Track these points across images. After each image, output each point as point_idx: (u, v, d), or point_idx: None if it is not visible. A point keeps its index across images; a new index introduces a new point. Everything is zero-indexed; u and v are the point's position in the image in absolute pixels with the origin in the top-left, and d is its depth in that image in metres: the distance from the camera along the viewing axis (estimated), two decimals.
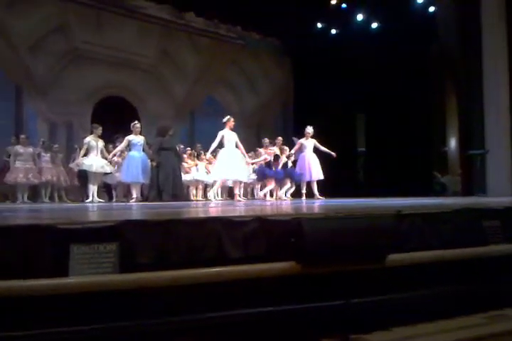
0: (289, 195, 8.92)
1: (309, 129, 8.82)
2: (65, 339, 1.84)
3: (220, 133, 7.74)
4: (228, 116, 7.90)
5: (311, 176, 8.68)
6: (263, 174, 8.64)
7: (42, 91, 10.44)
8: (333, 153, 8.68)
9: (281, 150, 8.89)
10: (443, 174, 11.85)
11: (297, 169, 8.76)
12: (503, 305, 2.69)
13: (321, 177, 8.76)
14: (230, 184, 10.13)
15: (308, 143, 8.83)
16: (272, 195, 8.76)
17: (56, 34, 10.68)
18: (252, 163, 8.97)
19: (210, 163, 10.06)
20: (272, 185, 8.60)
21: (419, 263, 2.57)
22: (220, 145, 7.91)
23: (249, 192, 10.42)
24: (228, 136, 7.75)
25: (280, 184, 8.75)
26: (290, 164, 8.82)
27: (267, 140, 9.45)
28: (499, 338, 2.31)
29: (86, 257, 1.90)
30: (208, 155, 8.48)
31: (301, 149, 8.85)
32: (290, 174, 8.69)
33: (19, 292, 1.79)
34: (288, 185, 8.80)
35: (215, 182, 10.00)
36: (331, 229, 2.27)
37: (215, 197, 8.31)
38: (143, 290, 1.97)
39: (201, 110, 13.16)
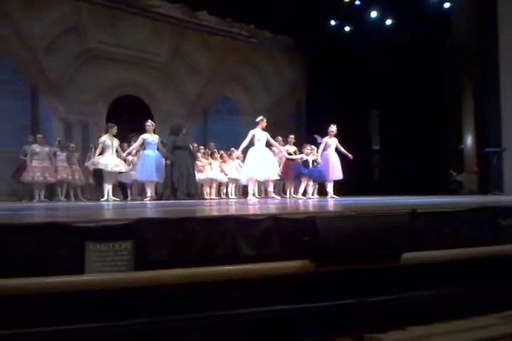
0: (316, 194, 8.94)
1: (333, 128, 8.77)
2: (80, 336, 1.86)
3: (251, 133, 8.00)
4: (261, 117, 8.20)
5: (332, 176, 8.71)
6: (298, 173, 8.72)
7: (57, 91, 10.56)
8: (350, 155, 8.70)
9: (312, 150, 8.87)
10: (459, 172, 11.72)
11: (320, 168, 8.76)
12: None
13: (341, 177, 8.79)
14: (243, 183, 10.19)
15: (332, 142, 8.80)
16: (304, 194, 8.81)
17: (71, 34, 10.79)
18: (292, 160, 8.96)
19: (224, 161, 10.09)
20: (305, 183, 8.70)
21: (434, 262, 2.55)
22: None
23: (262, 190, 10.41)
24: (259, 135, 7.97)
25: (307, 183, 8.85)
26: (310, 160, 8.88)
27: (280, 138, 9.45)
28: None
29: (101, 255, 1.92)
30: (238, 152, 8.81)
31: (324, 148, 8.82)
32: (312, 174, 8.77)
33: (36, 289, 1.82)
34: (304, 184, 8.84)
35: (230, 180, 10.07)
36: (345, 227, 2.26)
37: (253, 195, 8.37)
38: (157, 287, 1.99)
39: (214, 109, 13.19)
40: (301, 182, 8.84)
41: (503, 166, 8.84)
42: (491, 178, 9.10)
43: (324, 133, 8.92)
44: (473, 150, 10.92)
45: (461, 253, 2.63)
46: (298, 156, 8.87)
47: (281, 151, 8.44)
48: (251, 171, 8.00)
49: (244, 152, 8.46)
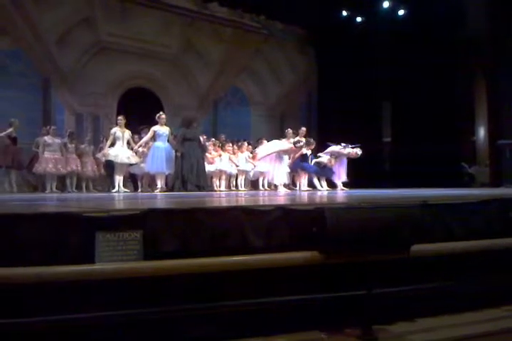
0: (325, 186, 9.03)
1: (359, 153, 9.09)
2: (90, 324, 1.89)
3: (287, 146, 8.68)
4: (303, 141, 8.64)
5: (338, 177, 9.07)
6: (301, 167, 8.82)
7: (69, 84, 10.61)
8: None
9: (308, 144, 8.90)
10: (471, 164, 11.60)
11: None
12: None
13: (345, 179, 9.15)
14: (251, 177, 10.28)
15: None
16: (314, 186, 8.99)
17: (82, 26, 10.80)
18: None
19: (234, 153, 10.09)
20: (306, 176, 8.86)
21: (444, 254, 2.54)
22: None
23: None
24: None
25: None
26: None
27: (290, 130, 9.42)
28: None
29: (111, 244, 1.94)
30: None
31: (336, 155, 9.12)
32: (317, 170, 8.84)
33: (47, 278, 1.84)
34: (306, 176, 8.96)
35: (239, 172, 10.10)
36: (354, 218, 2.26)
37: (280, 186, 8.72)
38: (166, 277, 2.00)
39: (225, 100, 13.18)
40: (306, 174, 8.93)
41: None
42: (504, 171, 9.01)
43: (334, 126, 8.96)
44: (486, 143, 10.80)
45: (471, 246, 2.61)
46: (324, 160, 8.93)
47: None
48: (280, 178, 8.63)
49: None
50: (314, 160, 8.98)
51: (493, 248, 2.67)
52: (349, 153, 8.94)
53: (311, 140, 9.06)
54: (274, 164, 8.52)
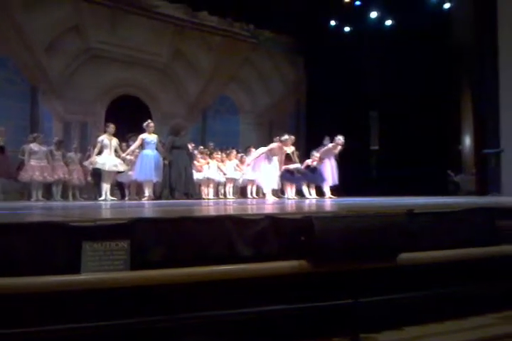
0: (314, 194, 9.01)
1: (341, 140, 8.96)
2: (76, 335, 1.87)
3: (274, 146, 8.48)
4: (287, 136, 8.46)
5: (329, 181, 9.01)
6: (287, 179, 8.81)
7: (57, 91, 10.57)
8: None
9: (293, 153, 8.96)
10: (457, 173, 11.72)
11: (317, 172, 8.92)
12: None
13: (336, 182, 9.12)
14: (240, 184, 10.28)
15: (337, 151, 8.96)
16: (302, 195, 9.00)
17: (71, 34, 10.80)
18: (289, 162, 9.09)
19: (222, 161, 10.09)
20: (293, 185, 8.86)
21: (431, 262, 2.55)
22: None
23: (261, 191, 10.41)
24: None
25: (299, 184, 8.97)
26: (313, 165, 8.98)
27: (278, 138, 9.43)
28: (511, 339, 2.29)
29: (98, 254, 1.92)
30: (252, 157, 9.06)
31: (326, 154, 9.07)
32: (307, 177, 8.82)
33: (32, 289, 1.82)
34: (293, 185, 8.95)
35: (228, 180, 10.10)
36: (342, 227, 2.27)
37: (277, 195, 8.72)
38: (153, 287, 1.99)
39: (213, 108, 13.20)
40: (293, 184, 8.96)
41: (501, 167, 8.84)
42: (489, 179, 9.10)
43: (323, 134, 8.99)
44: (472, 151, 10.92)
45: (458, 254, 2.63)
46: (294, 166, 8.90)
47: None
48: (270, 184, 8.42)
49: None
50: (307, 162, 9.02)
51: (480, 256, 2.69)
52: (334, 145, 8.91)
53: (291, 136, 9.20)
54: (265, 168, 8.37)
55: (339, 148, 8.99)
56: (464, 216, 2.87)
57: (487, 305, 2.61)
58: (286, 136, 8.38)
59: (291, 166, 8.76)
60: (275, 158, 8.40)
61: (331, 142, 9.05)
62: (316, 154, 9.09)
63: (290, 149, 8.86)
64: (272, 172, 8.43)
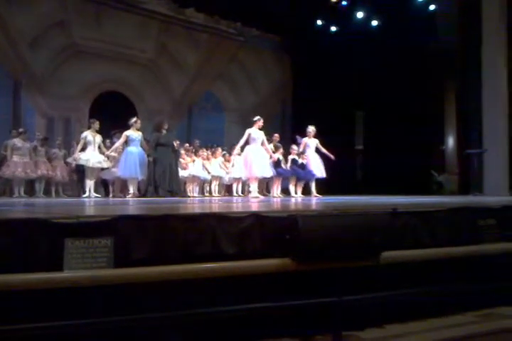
0: (299, 192, 8.98)
1: (311, 128, 8.90)
2: (59, 333, 1.85)
3: (248, 131, 8.04)
4: (258, 117, 8.19)
5: (318, 173, 8.84)
6: (278, 173, 8.74)
7: (40, 86, 10.41)
8: (332, 156, 8.79)
9: (276, 148, 8.95)
10: (440, 173, 11.86)
11: (305, 167, 8.87)
12: (495, 304, 2.70)
13: (324, 175, 8.90)
14: (225, 181, 10.23)
15: (311, 143, 8.94)
16: (288, 193, 8.88)
17: (55, 29, 10.64)
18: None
19: (207, 159, 10.06)
20: (279, 182, 8.81)
21: (413, 261, 2.58)
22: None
23: (246, 189, 10.41)
24: (255, 134, 8.02)
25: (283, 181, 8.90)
26: (300, 161, 8.87)
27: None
28: (491, 336, 2.33)
29: (80, 252, 1.91)
30: (237, 152, 8.79)
31: (304, 148, 8.93)
32: (297, 173, 8.79)
33: (14, 286, 1.80)
34: (279, 182, 8.90)
35: (213, 178, 10.06)
36: (326, 226, 2.28)
37: (257, 193, 8.46)
38: (137, 285, 1.98)
39: (199, 106, 13.14)
40: (280, 180, 8.89)
41: (483, 167, 8.98)
42: (472, 179, 9.23)
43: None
44: (455, 152, 11.06)
45: (439, 253, 2.67)
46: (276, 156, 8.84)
47: (271, 155, 8.42)
48: (251, 170, 8.04)
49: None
50: (290, 158, 8.94)
51: (462, 255, 2.73)
52: (307, 137, 8.91)
53: (279, 144, 9.13)
54: (252, 158, 7.98)
55: (313, 139, 8.96)
56: (447, 215, 2.90)
57: (468, 303, 2.65)
58: (257, 117, 8.22)
59: (275, 156, 8.72)
60: (258, 144, 8.09)
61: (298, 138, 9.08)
62: (295, 147, 9.05)
63: (280, 156, 8.82)
64: (262, 160, 8.09)
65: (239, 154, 9.10)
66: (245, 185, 9.96)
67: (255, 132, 8.06)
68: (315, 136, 8.97)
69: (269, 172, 8.23)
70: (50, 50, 10.51)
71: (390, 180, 10.74)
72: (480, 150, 8.99)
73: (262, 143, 8.15)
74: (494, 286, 2.71)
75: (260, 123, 8.10)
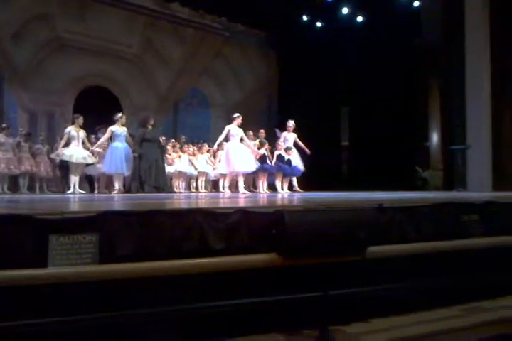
0: (285, 188, 9.00)
1: (291, 123, 8.98)
2: (43, 330, 1.83)
3: (227, 128, 8.17)
4: (238, 114, 8.33)
5: (300, 170, 8.93)
6: (263, 168, 8.74)
7: (23, 80, 10.26)
8: (308, 151, 8.87)
9: (261, 144, 8.97)
10: (424, 169, 11.97)
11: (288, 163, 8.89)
12: (480, 298, 2.74)
13: (303, 168, 8.98)
14: (212, 177, 10.20)
15: (290, 137, 9.00)
16: (273, 189, 8.90)
17: (39, 22, 10.48)
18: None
19: (193, 155, 10.03)
20: (264, 178, 8.81)
21: (399, 255, 2.60)
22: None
23: (233, 185, 10.41)
24: (234, 131, 8.15)
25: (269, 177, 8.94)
26: (287, 157, 8.87)
27: (250, 133, 9.43)
28: (476, 330, 2.36)
29: (65, 248, 1.89)
30: (215, 147, 8.76)
31: (283, 142, 8.97)
32: (282, 168, 8.79)
33: None
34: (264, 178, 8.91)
35: (200, 173, 10.04)
36: (313, 221, 2.28)
37: (223, 189, 8.51)
38: (123, 281, 1.96)
39: (185, 102, 13.08)
40: (265, 176, 8.91)
41: (467, 163, 9.08)
42: (456, 175, 9.34)
43: (294, 129, 9.03)
44: (439, 148, 11.17)
45: (425, 248, 2.69)
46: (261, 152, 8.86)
47: (253, 151, 8.48)
48: (231, 165, 8.04)
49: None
50: (276, 154, 8.95)
51: (446, 250, 2.76)
52: (287, 131, 8.95)
53: (264, 140, 9.17)
54: (233, 154, 8.04)
55: (292, 134, 8.98)
56: (431, 210, 2.93)
57: (452, 297, 2.68)
58: (236, 114, 8.32)
59: (260, 151, 8.73)
60: (237, 141, 8.17)
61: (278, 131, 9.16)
62: (281, 143, 9.08)
63: (241, 132, 8.67)
64: (245, 155, 8.13)
65: (217, 150, 9.14)
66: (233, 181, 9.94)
67: (234, 129, 8.15)
68: (294, 131, 9.03)
69: (252, 166, 8.24)
70: (33, 43, 10.36)
71: (375, 176, 10.82)
72: (463, 147, 9.10)
73: (242, 140, 8.22)
74: (478, 280, 2.75)
75: (239, 120, 8.24)
